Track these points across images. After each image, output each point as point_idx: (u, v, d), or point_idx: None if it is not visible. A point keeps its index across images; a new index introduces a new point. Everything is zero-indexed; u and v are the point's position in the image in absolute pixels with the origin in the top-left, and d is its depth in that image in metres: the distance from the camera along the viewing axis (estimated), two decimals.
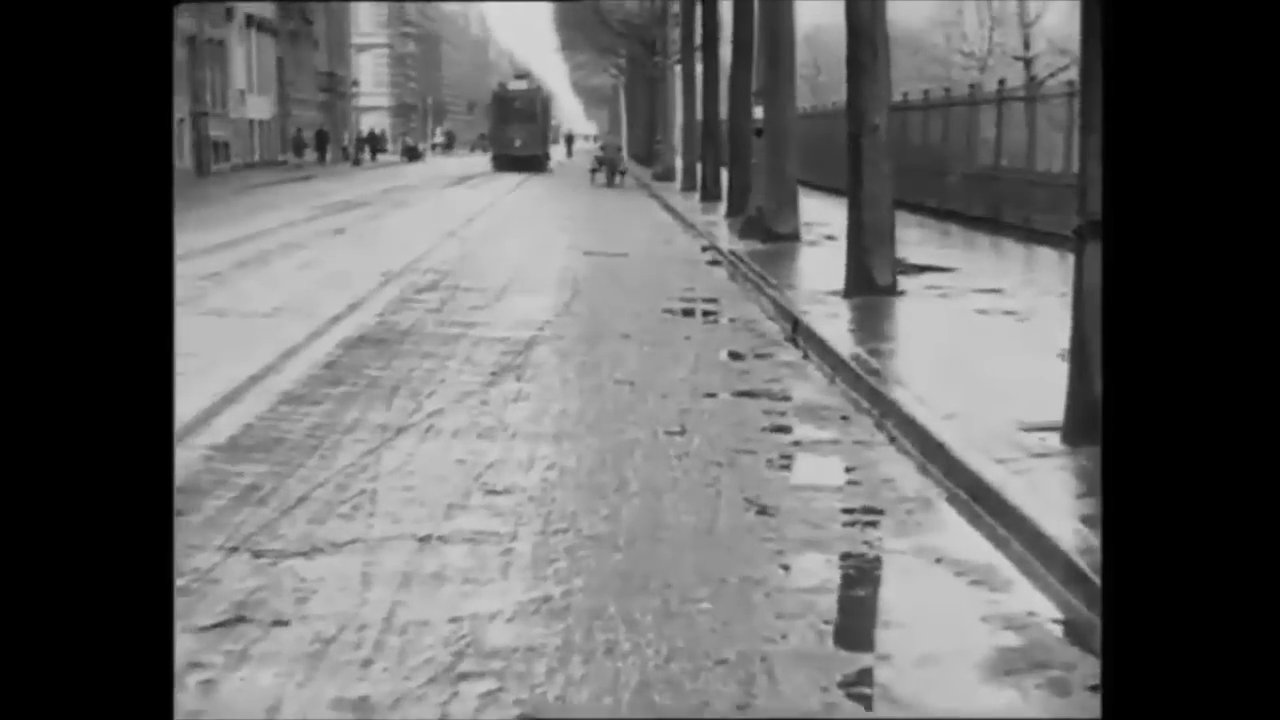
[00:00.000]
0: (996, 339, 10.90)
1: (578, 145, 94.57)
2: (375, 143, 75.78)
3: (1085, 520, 5.72)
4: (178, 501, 6.00)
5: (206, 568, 5.52)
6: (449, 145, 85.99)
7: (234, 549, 5.77)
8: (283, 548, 5.81)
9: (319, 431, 8.00)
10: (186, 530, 5.87)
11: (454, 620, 4.99)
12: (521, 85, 60.90)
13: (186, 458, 7.10)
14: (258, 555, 5.71)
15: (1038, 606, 5.26)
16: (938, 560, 5.80)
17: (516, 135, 56.82)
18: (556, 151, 71.10)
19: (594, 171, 44.72)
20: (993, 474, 6.55)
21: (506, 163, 55.72)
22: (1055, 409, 7.20)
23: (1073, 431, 7.03)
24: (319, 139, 63.83)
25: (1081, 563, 5.26)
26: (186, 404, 7.57)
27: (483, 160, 73.32)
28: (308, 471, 7.07)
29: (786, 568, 5.75)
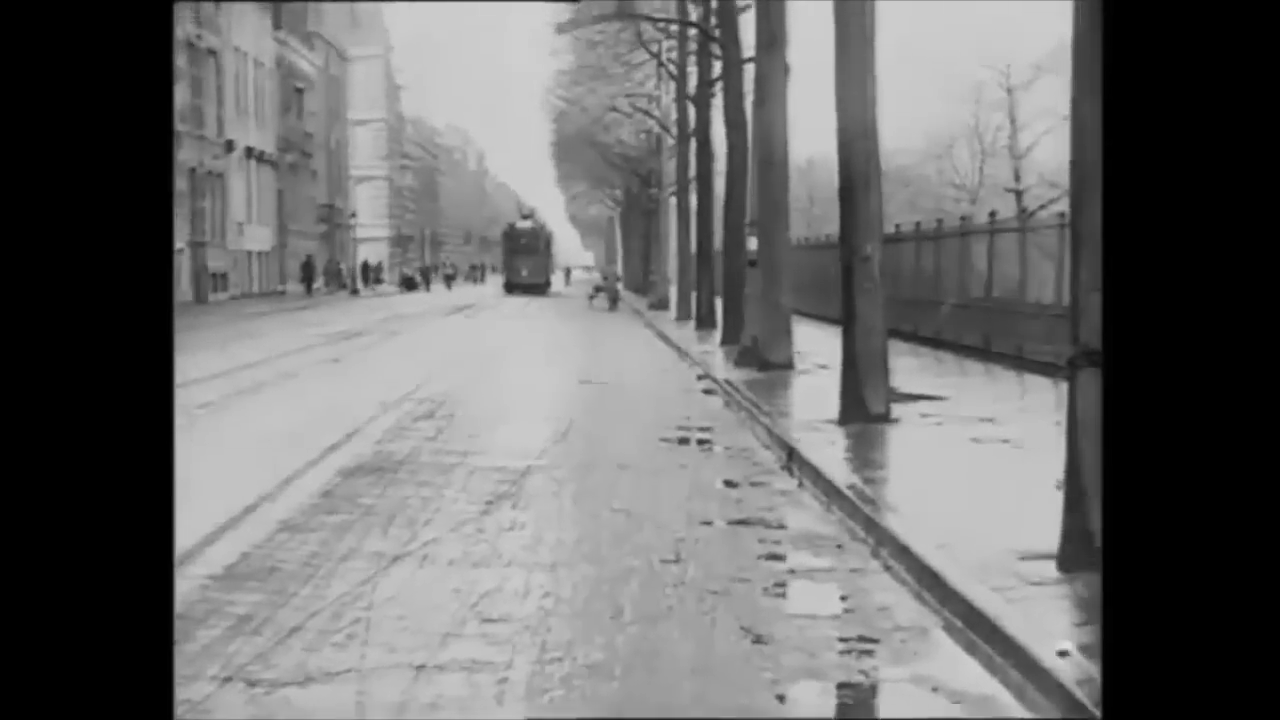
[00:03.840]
0: (990, 467, 10.93)
1: (574, 275, 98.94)
2: (368, 272, 75.70)
3: (1083, 649, 5.71)
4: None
5: (199, 698, 5.49)
6: (451, 277, 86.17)
7: (228, 679, 5.75)
8: (276, 677, 5.78)
9: (315, 560, 7.99)
10: (181, 660, 5.84)
11: None
12: (528, 224, 72.12)
13: (182, 587, 7.08)
14: (252, 685, 5.69)
15: None
16: (934, 689, 5.77)
17: (523, 266, 69.20)
18: (557, 280, 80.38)
19: (592, 297, 51.16)
20: (989, 602, 6.54)
21: (516, 288, 67.65)
22: (1050, 537, 7.22)
23: (1068, 559, 7.04)
24: (305, 269, 63.66)
25: (1079, 693, 5.24)
26: (182, 533, 7.56)
27: (478, 291, 73.85)
28: (302, 600, 7.05)
29: (782, 697, 5.72)
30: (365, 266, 72.61)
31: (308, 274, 63.42)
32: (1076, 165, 7.03)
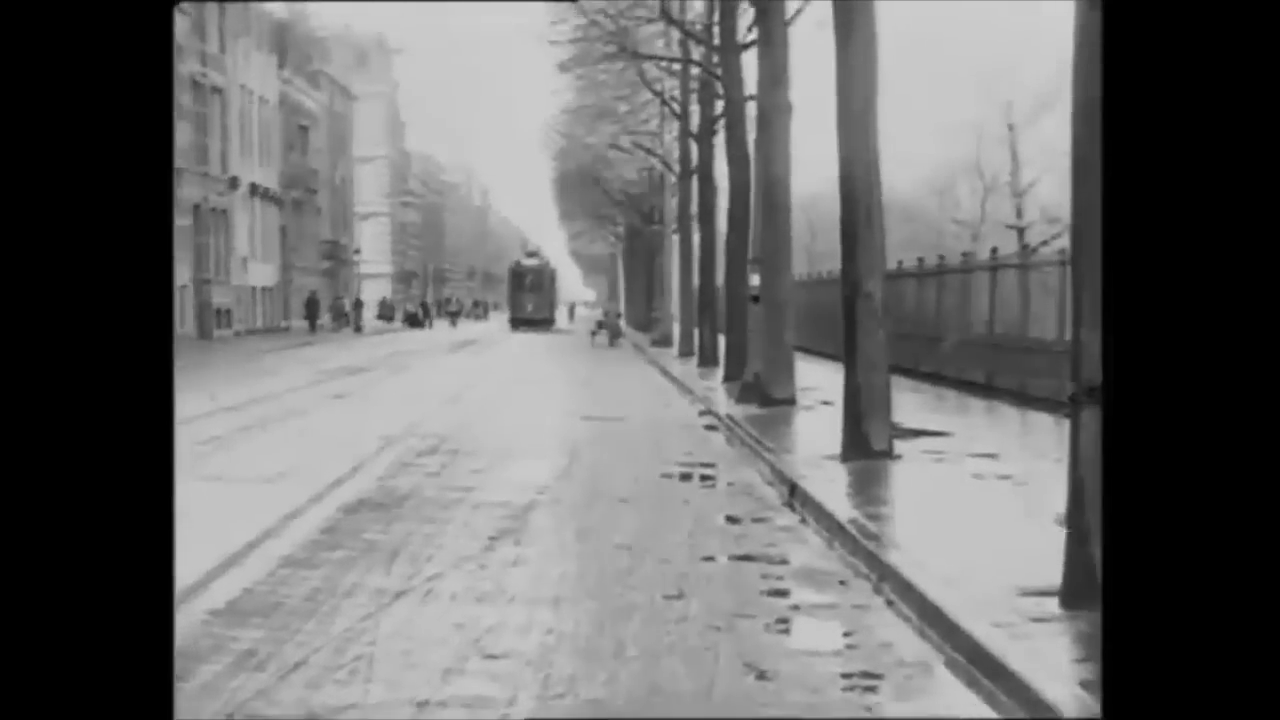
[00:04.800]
0: (993, 503, 10.93)
1: (577, 311, 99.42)
2: (359, 310, 74.19)
3: (1085, 685, 5.71)
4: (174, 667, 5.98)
5: None
6: (456, 314, 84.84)
7: (230, 716, 5.75)
8: (279, 714, 5.78)
9: (318, 596, 8.00)
10: (183, 697, 5.84)
11: None
12: (533, 262, 74.35)
13: (184, 623, 7.08)
14: None
15: None
16: None
17: (529, 302, 71.53)
18: (560, 315, 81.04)
19: (594, 334, 51.84)
20: (991, 638, 6.54)
21: (521, 324, 69.45)
22: (1053, 573, 7.22)
23: (1071, 596, 7.04)
24: (309, 306, 62.84)
25: None
26: (185, 568, 7.57)
27: (482, 328, 73.98)
28: (305, 636, 7.05)
29: None
30: (357, 304, 71.49)
31: (312, 310, 62.95)
32: (1077, 202, 7.06)
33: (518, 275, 73.57)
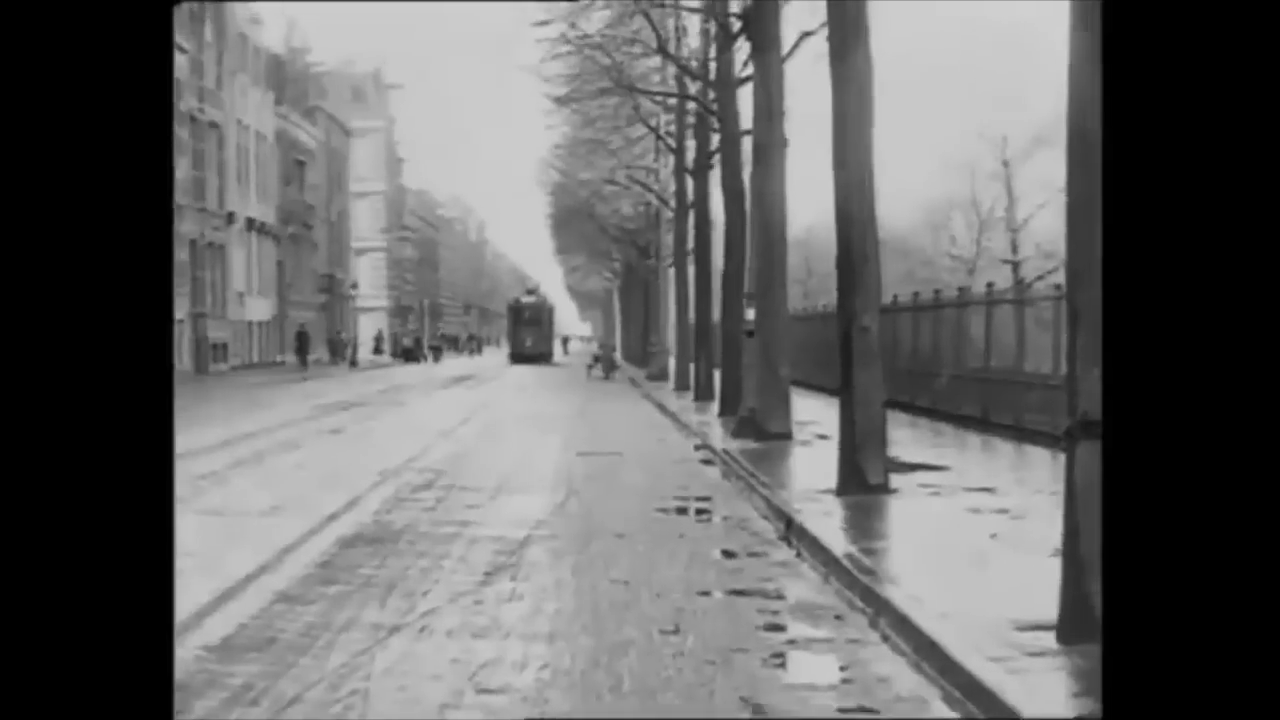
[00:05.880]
0: (989, 537, 10.92)
1: (571, 345, 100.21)
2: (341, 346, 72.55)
3: None
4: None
5: None
6: (437, 349, 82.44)
7: None
8: None
9: (313, 631, 7.98)
10: None
11: None
12: (532, 299, 77.22)
13: (180, 657, 7.07)
14: None
15: None
16: None
17: (528, 337, 74.06)
18: (555, 348, 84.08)
19: (590, 367, 52.92)
20: (988, 673, 6.53)
21: (520, 358, 71.93)
22: (1049, 608, 7.21)
23: (1067, 630, 7.03)
24: (300, 340, 61.33)
25: None
26: (181, 603, 7.56)
27: (476, 363, 74.07)
28: (300, 671, 7.04)
29: None
30: (342, 337, 69.98)
31: (302, 345, 61.32)
32: (1073, 237, 7.09)
33: (518, 311, 76.38)
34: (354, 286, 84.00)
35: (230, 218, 56.89)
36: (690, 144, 34.00)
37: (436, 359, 77.71)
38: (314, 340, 65.35)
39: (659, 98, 34.07)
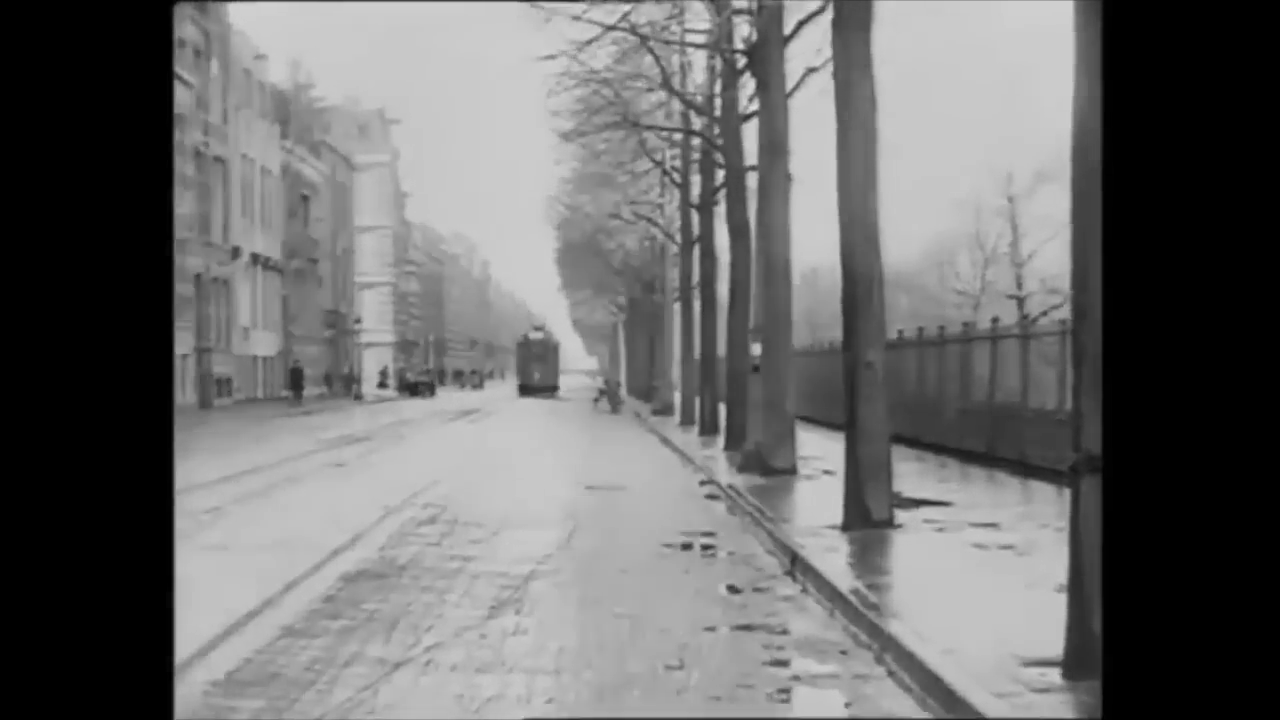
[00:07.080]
0: (994, 572, 10.91)
1: (572, 380, 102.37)
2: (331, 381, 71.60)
3: None
4: None
5: None
6: (430, 385, 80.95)
7: None
8: None
9: (317, 665, 7.97)
10: None
11: None
12: (540, 335, 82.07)
13: (184, 693, 7.06)
14: None
15: None
16: None
17: (536, 370, 78.77)
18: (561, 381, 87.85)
19: (596, 400, 55.70)
20: (993, 709, 6.51)
21: (528, 390, 76.94)
22: (1055, 643, 7.20)
23: (1072, 665, 7.01)
24: (294, 375, 59.79)
25: None
26: (185, 638, 7.56)
27: (481, 396, 74.16)
28: (305, 706, 7.03)
29: None
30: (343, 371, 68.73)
31: (296, 380, 59.54)
32: (1077, 273, 7.11)
33: (526, 347, 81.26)
34: (358, 321, 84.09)
35: (235, 252, 57.03)
36: (696, 179, 34.10)
37: (431, 393, 77.17)
38: (312, 373, 64.98)
39: (664, 133, 34.19)
